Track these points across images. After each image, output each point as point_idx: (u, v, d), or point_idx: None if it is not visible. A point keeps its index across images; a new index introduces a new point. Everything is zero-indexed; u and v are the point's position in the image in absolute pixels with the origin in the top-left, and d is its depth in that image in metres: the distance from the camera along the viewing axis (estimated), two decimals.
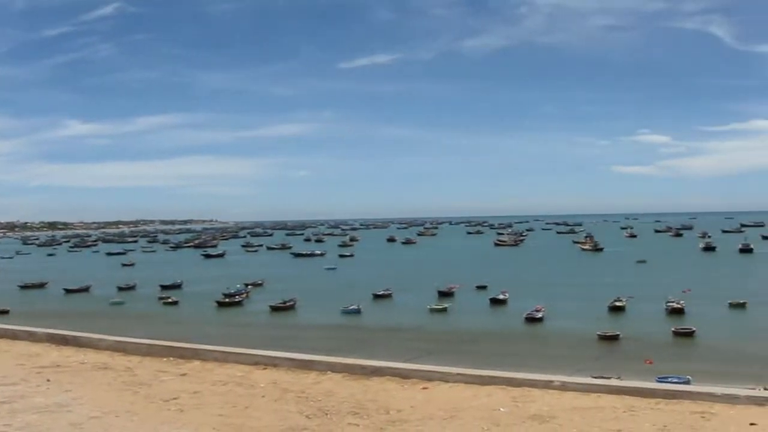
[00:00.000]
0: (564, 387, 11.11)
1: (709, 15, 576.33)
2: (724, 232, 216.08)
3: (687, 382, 37.77)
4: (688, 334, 59.09)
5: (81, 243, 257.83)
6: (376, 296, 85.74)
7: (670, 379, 39.57)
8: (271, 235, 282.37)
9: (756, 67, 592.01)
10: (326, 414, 10.21)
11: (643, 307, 72.48)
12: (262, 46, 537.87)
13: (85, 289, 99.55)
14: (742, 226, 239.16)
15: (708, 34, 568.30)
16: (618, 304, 73.28)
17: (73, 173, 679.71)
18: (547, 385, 11.29)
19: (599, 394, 10.70)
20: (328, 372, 12.96)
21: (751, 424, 9.07)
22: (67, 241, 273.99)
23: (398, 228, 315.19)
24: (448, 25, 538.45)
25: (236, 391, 11.87)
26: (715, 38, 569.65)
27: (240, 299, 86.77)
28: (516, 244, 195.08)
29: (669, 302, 71.37)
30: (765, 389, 32.89)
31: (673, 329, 60.43)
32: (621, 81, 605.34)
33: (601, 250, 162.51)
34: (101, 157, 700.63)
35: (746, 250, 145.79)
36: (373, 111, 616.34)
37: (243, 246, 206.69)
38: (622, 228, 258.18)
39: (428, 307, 76.10)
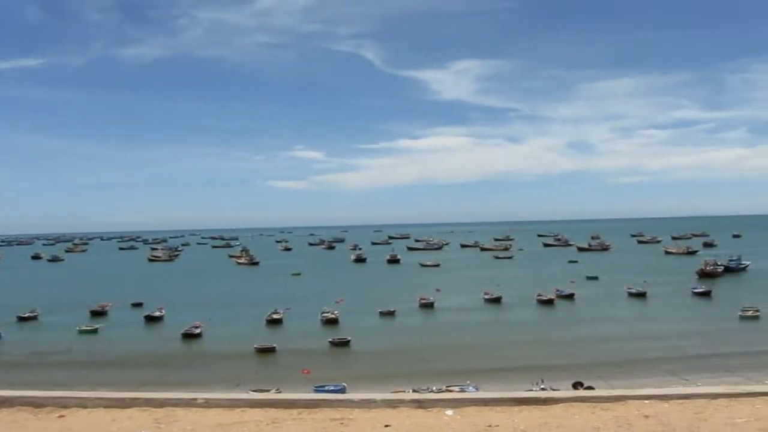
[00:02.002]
0: (208, 404, 10.57)
1: (361, 39, 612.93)
2: (374, 244, 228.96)
3: (343, 390, 38.65)
4: (344, 343, 60.79)
5: None
6: (21, 319, 78.34)
7: (327, 387, 40.29)
8: None
9: (403, 91, 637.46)
10: None
11: (299, 318, 73.66)
12: None
13: None
14: (390, 238, 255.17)
15: (360, 57, 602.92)
16: (275, 316, 73.72)
17: None
18: (190, 403, 10.59)
19: (244, 408, 10.33)
20: None
21: (386, 426, 9.31)
22: None
23: (44, 245, 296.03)
24: (104, 31, 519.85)
25: None
26: (366, 61, 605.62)
27: None
28: (171, 259, 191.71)
29: (324, 313, 73.17)
30: (414, 391, 34.44)
31: (329, 339, 61.84)
32: (279, 98, 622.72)
33: (257, 263, 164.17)
34: None
35: (394, 260, 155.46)
36: (15, 118, 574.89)
37: None
38: (278, 241, 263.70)
39: (78, 328, 71.15)
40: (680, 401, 9.86)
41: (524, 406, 9.91)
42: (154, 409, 10.36)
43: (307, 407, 10.24)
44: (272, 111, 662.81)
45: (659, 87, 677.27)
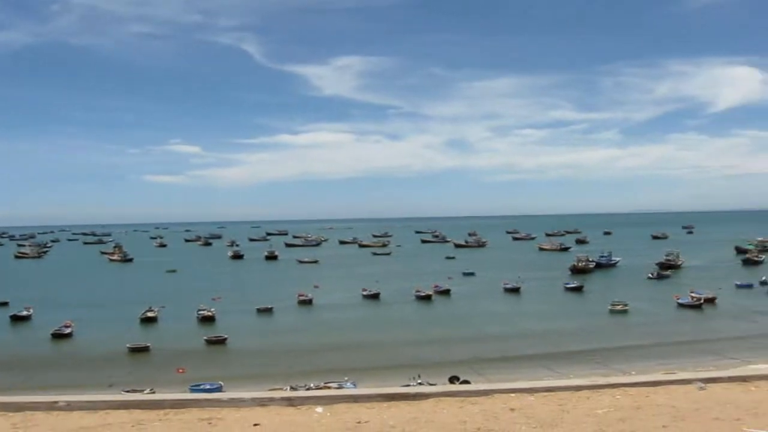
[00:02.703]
0: (70, 407, 10.25)
1: (242, 32, 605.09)
2: (251, 240, 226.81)
3: (219, 389, 38.08)
4: (220, 341, 59.87)
5: None
6: None
7: (203, 386, 39.59)
8: None
9: (284, 85, 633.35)
10: None
11: (175, 316, 72.12)
12: None
13: None
14: (268, 234, 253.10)
15: (241, 51, 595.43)
16: (149, 314, 71.78)
17: None
18: (51, 406, 10.32)
19: (107, 410, 10.11)
20: None
21: (255, 424, 9.32)
22: None
23: None
24: None
25: None
26: (247, 55, 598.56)
27: None
28: (39, 255, 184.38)
29: (200, 310, 71.87)
30: (291, 388, 34.28)
31: (205, 337, 60.82)
32: (155, 90, 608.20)
33: (130, 260, 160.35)
34: None
35: (272, 257, 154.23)
36: None
37: None
38: (152, 238, 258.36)
39: None
40: (545, 394, 10.13)
41: (394, 402, 9.98)
42: (11, 414, 9.99)
43: (174, 407, 10.06)
44: (148, 103, 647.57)
45: (536, 88, 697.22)
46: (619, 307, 72.28)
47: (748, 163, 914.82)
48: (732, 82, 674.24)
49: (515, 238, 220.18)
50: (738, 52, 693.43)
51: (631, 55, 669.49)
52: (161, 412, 9.88)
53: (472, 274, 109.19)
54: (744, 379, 10.83)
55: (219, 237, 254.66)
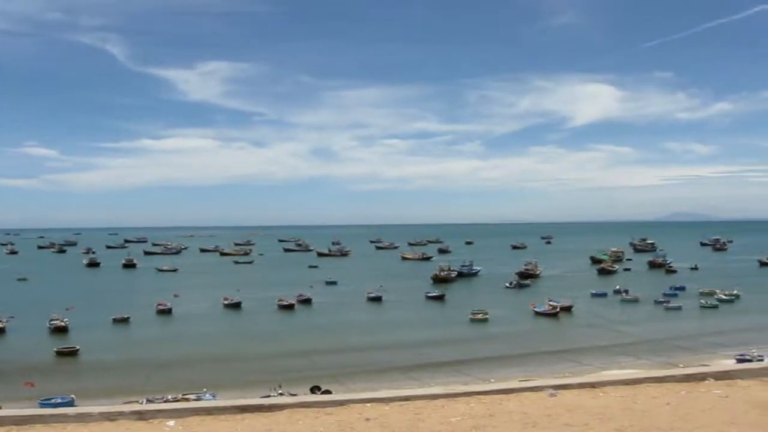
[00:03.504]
0: None
1: (106, 32, 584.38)
2: (109, 248, 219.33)
3: (71, 403, 36.57)
4: (72, 353, 57.61)
5: None
6: None
7: (53, 401, 37.98)
8: None
9: (148, 88, 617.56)
10: None
11: (25, 327, 68.96)
12: None
13: None
14: (126, 241, 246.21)
15: (104, 51, 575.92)
16: None
17: None
18: None
19: None
20: None
21: None
22: None
23: None
24: None
25: None
26: (110, 56, 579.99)
27: None
28: None
29: (52, 320, 69.12)
30: (148, 401, 33.26)
31: (56, 349, 58.37)
32: (9, 90, 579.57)
33: None
34: None
35: (129, 265, 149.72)
36: None
37: None
38: (2, 244, 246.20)
39: None
40: (401, 403, 10.10)
41: (248, 414, 9.77)
42: None
43: (17, 424, 9.55)
44: (2, 103, 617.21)
45: (402, 98, 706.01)
46: (479, 316, 73.92)
47: (604, 176, 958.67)
48: (590, 98, 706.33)
49: (378, 248, 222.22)
50: (596, 70, 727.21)
51: (495, 69, 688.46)
52: (3, 429, 9.34)
53: (334, 283, 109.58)
54: (593, 385, 11.14)
55: (74, 244, 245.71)
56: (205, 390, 41.02)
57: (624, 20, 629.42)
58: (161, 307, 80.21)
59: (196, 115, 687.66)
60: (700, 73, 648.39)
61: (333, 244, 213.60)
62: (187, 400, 33.67)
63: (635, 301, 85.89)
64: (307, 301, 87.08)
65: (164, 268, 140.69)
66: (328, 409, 9.84)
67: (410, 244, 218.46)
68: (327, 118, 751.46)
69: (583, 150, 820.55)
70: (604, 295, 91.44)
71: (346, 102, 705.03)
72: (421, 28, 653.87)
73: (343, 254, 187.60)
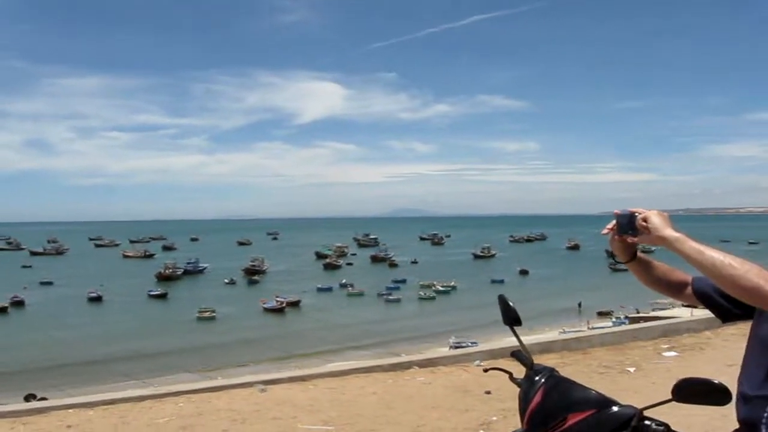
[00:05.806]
0: None
1: None
2: None
3: None
4: None
5: None
6: None
7: None
8: None
9: None
10: None
11: None
12: None
13: None
14: None
15: None
16: None
17: None
18: None
19: None
20: None
21: None
22: None
23: None
24: None
25: None
26: None
27: None
28: None
29: None
30: None
31: None
32: None
33: None
34: None
35: None
36: None
37: None
38: None
39: None
40: (105, 407, 9.75)
41: None
42: None
43: None
44: None
45: (124, 89, 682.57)
46: (206, 314, 73.13)
47: (330, 173, 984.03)
48: (317, 96, 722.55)
49: (98, 245, 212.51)
50: (324, 68, 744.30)
51: (223, 63, 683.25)
52: None
53: (50, 283, 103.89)
54: (303, 378, 11.36)
55: None
56: None
57: (354, 21, 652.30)
58: None
59: None
60: (422, 75, 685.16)
61: (48, 242, 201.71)
62: None
63: (360, 294, 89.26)
64: (20, 303, 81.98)
65: None
66: (26, 419, 9.26)
67: (132, 242, 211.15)
68: (43, 107, 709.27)
69: (309, 146, 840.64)
70: (329, 289, 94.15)
71: (65, 90, 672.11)
72: (140, 16, 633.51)
73: (60, 253, 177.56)
